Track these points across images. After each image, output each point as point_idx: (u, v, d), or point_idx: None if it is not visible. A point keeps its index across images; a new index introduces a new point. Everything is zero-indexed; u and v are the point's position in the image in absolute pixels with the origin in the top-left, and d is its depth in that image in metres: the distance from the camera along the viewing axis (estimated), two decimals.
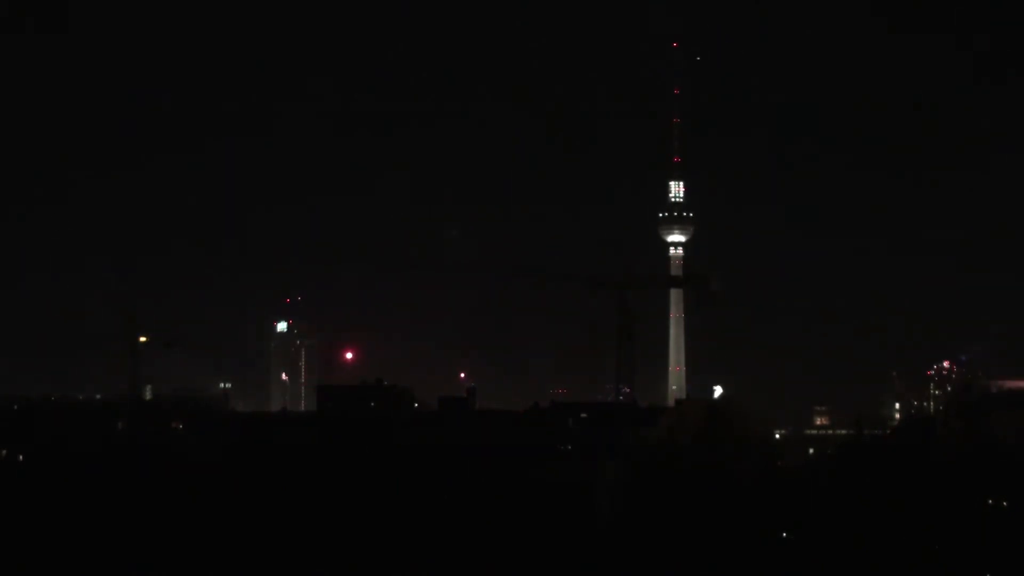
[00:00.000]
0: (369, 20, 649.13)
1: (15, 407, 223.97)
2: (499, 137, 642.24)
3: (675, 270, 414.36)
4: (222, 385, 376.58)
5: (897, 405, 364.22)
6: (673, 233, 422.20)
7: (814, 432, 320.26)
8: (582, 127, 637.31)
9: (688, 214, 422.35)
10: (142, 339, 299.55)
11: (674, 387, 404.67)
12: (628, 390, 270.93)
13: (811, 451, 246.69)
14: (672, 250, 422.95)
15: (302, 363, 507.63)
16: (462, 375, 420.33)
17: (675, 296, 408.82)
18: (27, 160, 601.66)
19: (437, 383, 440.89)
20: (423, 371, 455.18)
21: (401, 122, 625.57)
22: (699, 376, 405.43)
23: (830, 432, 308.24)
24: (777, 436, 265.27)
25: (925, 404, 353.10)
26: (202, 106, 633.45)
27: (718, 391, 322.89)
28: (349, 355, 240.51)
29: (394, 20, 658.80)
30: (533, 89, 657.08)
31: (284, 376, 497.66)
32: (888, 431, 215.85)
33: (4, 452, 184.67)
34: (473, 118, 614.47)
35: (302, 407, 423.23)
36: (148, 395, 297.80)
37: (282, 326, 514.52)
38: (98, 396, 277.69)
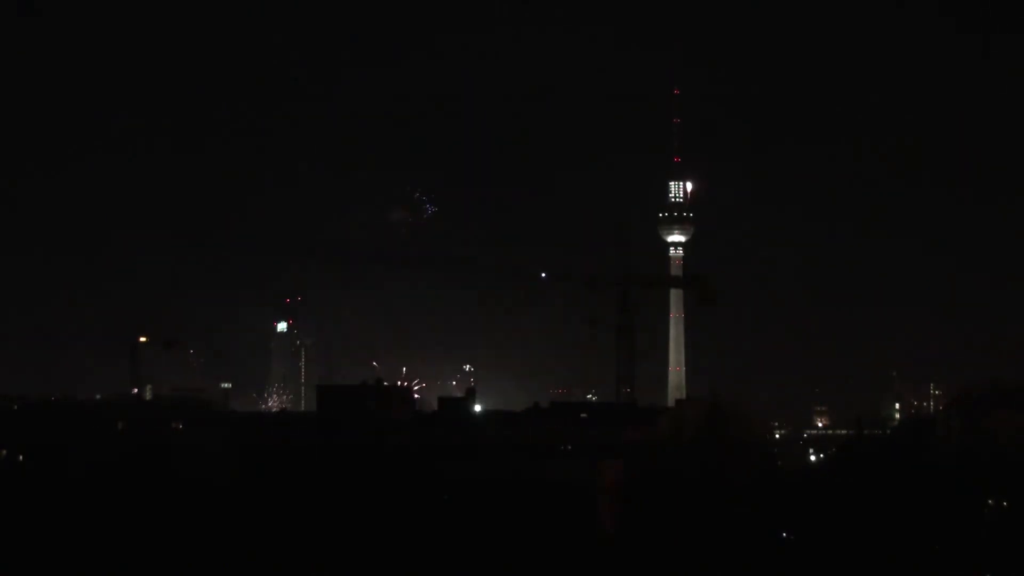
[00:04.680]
0: (367, 18, 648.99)
1: (15, 407, 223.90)
2: (498, 136, 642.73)
3: (675, 270, 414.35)
4: (222, 385, 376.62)
5: (897, 405, 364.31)
6: (673, 233, 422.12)
7: (814, 432, 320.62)
8: (582, 126, 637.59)
9: (688, 214, 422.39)
10: (142, 339, 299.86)
11: (674, 387, 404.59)
12: (628, 390, 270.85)
13: (811, 451, 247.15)
14: (672, 250, 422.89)
15: (302, 363, 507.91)
16: (455, 381, 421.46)
17: (675, 296, 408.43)
18: (24, 159, 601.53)
19: (436, 383, 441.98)
20: (422, 371, 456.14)
21: (400, 120, 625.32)
22: (699, 376, 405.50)
23: (830, 432, 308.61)
24: (777, 436, 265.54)
25: (925, 404, 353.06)
26: (200, 104, 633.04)
27: None
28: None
29: (391, 17, 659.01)
30: (533, 88, 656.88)
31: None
32: (888, 431, 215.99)
33: (4, 452, 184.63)
34: (473, 116, 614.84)
35: (302, 407, 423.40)
36: (148, 395, 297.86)
37: (282, 326, 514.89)
38: (98, 396, 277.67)
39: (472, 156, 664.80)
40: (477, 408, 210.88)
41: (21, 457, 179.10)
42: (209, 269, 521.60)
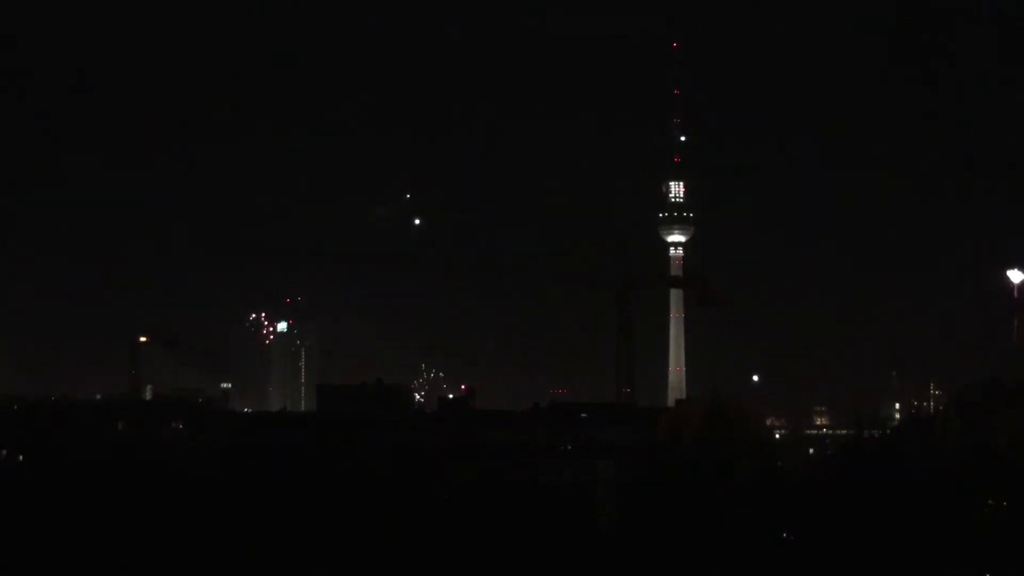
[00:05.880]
0: (364, 19, 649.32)
1: (15, 407, 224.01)
2: (498, 137, 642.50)
3: (675, 270, 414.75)
4: (222, 385, 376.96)
5: (897, 405, 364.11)
6: (673, 233, 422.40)
7: (814, 432, 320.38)
8: (581, 126, 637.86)
9: (688, 214, 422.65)
10: (142, 339, 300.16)
11: (674, 387, 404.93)
12: (628, 390, 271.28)
13: (811, 451, 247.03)
14: (672, 250, 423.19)
15: (302, 363, 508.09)
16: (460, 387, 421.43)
17: (675, 296, 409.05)
18: (26, 159, 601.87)
19: (437, 383, 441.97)
20: (423, 371, 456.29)
21: (399, 123, 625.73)
22: (699, 376, 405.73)
23: (830, 432, 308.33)
24: (777, 436, 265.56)
25: (925, 404, 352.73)
26: (198, 104, 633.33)
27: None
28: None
29: (390, 21, 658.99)
30: (533, 89, 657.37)
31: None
32: (888, 431, 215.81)
33: (4, 452, 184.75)
34: (473, 117, 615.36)
35: (302, 407, 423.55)
36: (148, 395, 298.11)
37: (282, 326, 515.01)
38: (98, 396, 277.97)
39: (471, 156, 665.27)
40: (476, 408, 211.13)
41: (21, 457, 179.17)
42: (209, 269, 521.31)
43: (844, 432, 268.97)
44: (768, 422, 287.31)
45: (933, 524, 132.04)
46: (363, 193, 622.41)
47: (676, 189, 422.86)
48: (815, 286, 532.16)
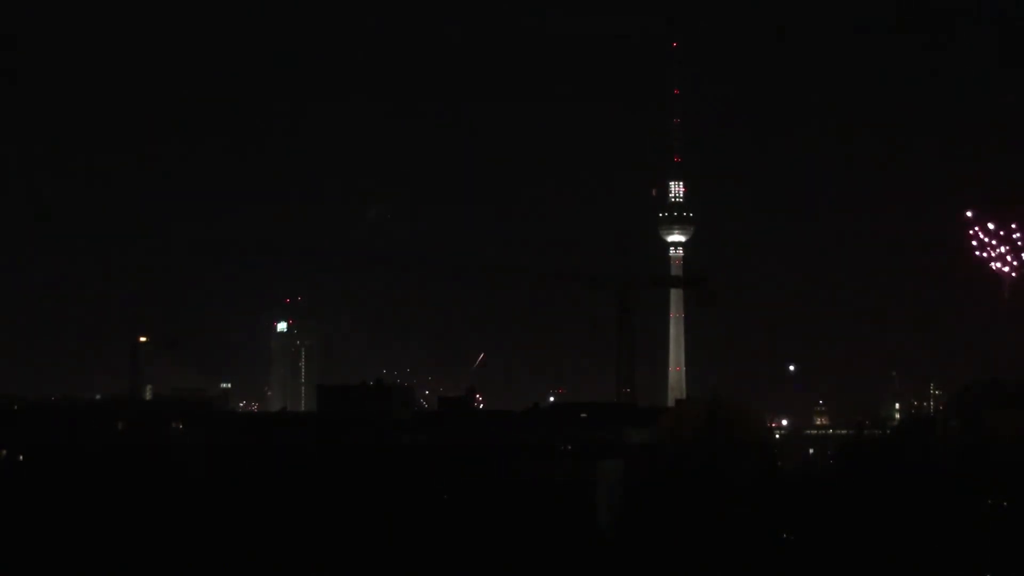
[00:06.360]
0: (360, 20, 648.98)
1: (15, 407, 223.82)
2: (497, 137, 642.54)
3: (675, 270, 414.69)
4: (222, 385, 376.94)
5: (897, 405, 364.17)
6: (673, 233, 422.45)
7: (814, 432, 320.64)
8: (582, 127, 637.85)
9: (688, 214, 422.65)
10: (142, 339, 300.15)
11: (674, 387, 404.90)
12: (628, 390, 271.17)
13: (811, 451, 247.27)
14: (672, 250, 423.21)
15: (302, 363, 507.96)
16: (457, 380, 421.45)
17: (675, 296, 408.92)
18: (26, 158, 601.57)
19: (437, 383, 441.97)
20: (423, 371, 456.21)
21: (398, 123, 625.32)
22: (699, 376, 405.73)
23: (830, 432, 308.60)
24: (777, 436, 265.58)
25: (925, 404, 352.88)
26: (198, 104, 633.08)
27: None
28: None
29: (390, 21, 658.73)
30: (532, 88, 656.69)
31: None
32: (888, 431, 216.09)
33: (4, 452, 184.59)
34: (473, 117, 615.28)
35: (302, 407, 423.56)
36: (148, 395, 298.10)
37: (282, 326, 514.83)
38: (98, 396, 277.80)
39: (470, 155, 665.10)
40: (477, 408, 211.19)
41: (21, 457, 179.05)
42: (209, 269, 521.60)
43: (844, 432, 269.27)
44: (768, 422, 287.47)
45: (933, 524, 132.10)
46: (362, 193, 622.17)
47: (676, 189, 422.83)
48: (815, 285, 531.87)
